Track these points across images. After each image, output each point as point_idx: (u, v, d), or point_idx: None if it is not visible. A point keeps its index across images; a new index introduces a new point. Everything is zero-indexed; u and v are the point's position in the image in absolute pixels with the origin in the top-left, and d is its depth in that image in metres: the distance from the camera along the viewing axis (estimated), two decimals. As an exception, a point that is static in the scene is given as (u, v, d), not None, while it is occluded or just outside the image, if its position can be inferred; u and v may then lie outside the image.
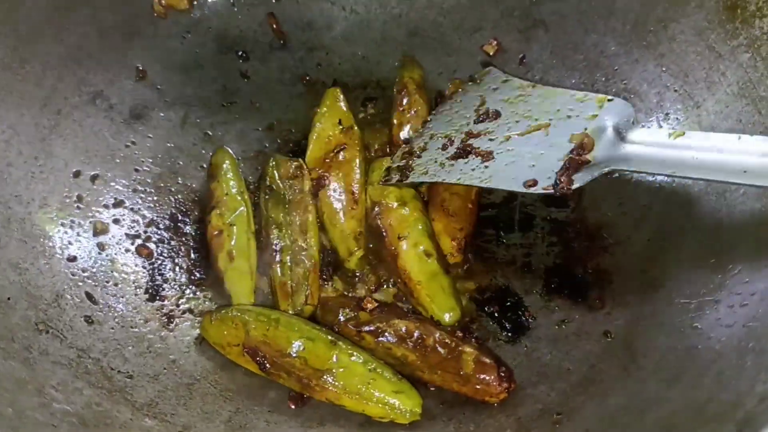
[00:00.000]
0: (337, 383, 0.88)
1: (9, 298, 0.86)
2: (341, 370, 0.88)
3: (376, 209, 0.99)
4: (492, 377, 0.87)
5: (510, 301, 1.02)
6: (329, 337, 0.90)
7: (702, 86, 0.94)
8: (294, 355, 0.88)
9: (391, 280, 1.01)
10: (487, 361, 0.89)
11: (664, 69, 0.98)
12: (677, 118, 0.97)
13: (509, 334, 0.97)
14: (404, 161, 1.00)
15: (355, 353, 0.90)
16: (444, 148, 0.96)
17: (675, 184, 0.95)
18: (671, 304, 0.88)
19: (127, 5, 1.05)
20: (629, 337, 0.89)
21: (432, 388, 0.94)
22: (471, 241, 1.02)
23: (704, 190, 0.92)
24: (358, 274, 1.02)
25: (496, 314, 0.99)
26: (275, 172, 1.03)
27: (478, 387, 0.88)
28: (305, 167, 1.04)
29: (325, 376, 0.87)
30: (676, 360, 0.82)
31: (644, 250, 0.95)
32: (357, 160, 1.04)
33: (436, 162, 0.97)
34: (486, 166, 0.88)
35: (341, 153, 1.04)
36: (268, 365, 0.88)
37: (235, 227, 0.99)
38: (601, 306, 0.95)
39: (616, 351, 0.89)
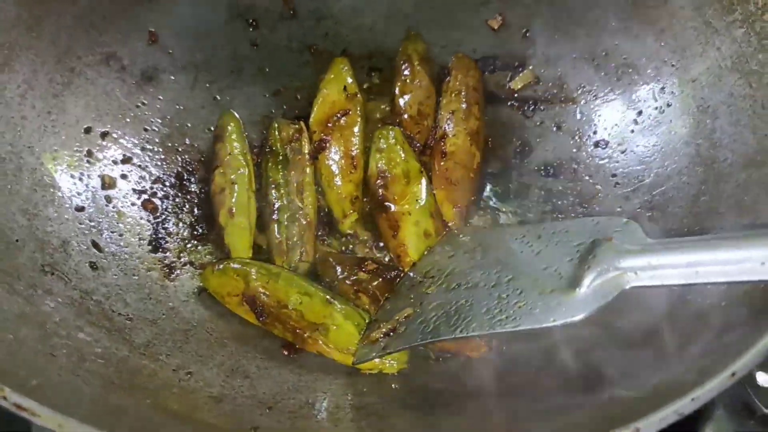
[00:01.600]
0: (328, 339, 0.92)
1: (17, 240, 0.89)
2: (334, 327, 0.93)
3: (380, 179, 1.01)
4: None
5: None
6: (326, 296, 0.93)
7: (698, 60, 0.96)
8: (291, 307, 0.91)
9: (380, 245, 1.02)
10: None
11: (662, 44, 1.00)
12: (672, 92, 0.98)
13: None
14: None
15: (348, 315, 0.94)
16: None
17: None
18: None
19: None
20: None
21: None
22: (471, 208, 1.03)
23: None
24: (350, 233, 1.03)
25: None
26: (277, 134, 1.06)
27: (462, 343, 0.90)
28: (305, 130, 1.07)
29: (318, 330, 0.90)
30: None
31: (634, 219, 0.96)
32: (358, 126, 1.07)
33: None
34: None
35: (344, 118, 1.07)
36: (265, 314, 0.91)
37: (236, 185, 1.02)
38: None
39: None
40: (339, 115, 1.06)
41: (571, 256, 0.81)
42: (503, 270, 0.87)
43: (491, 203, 1.08)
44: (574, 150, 1.07)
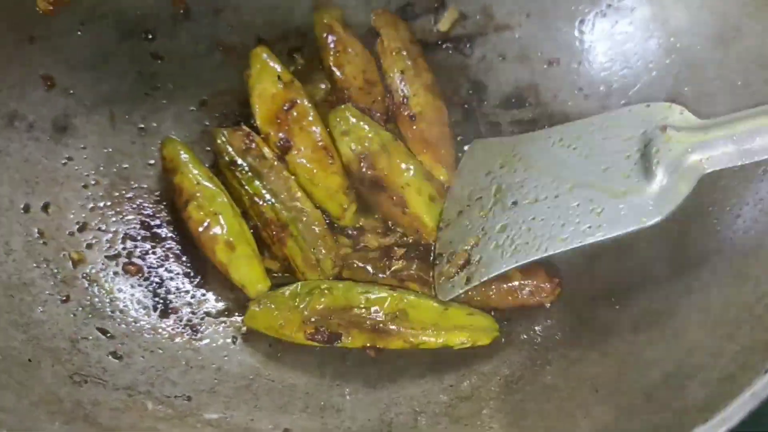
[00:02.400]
0: (413, 322, 0.87)
1: (30, 360, 0.76)
2: (412, 308, 0.88)
3: (362, 162, 0.95)
4: (541, 277, 0.89)
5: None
6: (387, 287, 0.89)
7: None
8: (361, 306, 0.87)
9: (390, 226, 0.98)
10: (532, 264, 0.90)
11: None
12: None
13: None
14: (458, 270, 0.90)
15: (418, 294, 0.89)
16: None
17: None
18: None
19: (6, 11, 0.92)
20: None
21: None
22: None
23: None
24: (356, 227, 0.98)
25: None
26: (228, 146, 0.96)
27: (532, 292, 0.89)
28: (253, 133, 0.98)
29: (398, 318, 0.86)
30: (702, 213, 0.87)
31: None
32: (312, 113, 0.99)
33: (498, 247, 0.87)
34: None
35: (293, 110, 0.99)
36: (336, 336, 0.84)
37: (220, 215, 0.92)
38: None
39: None
40: (286, 107, 0.97)
41: (628, 152, 0.79)
42: (558, 179, 0.84)
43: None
44: (528, 75, 1.06)
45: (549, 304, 0.92)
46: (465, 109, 1.09)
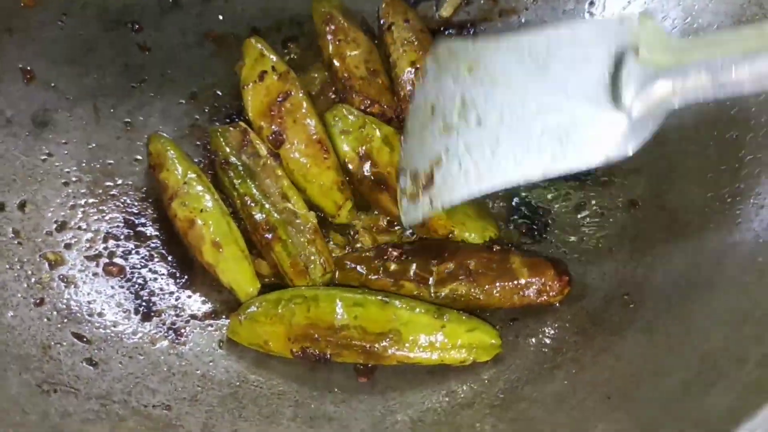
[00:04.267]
0: (405, 342, 0.80)
1: None
2: (404, 326, 0.80)
3: (363, 160, 0.89)
4: (549, 275, 0.82)
5: (517, 203, 0.97)
6: (378, 298, 0.80)
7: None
8: (349, 326, 0.78)
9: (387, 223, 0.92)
10: (539, 261, 0.83)
11: None
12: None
13: (534, 234, 0.92)
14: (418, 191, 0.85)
15: (415, 305, 0.82)
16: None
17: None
18: (686, 152, 0.85)
19: (-16, 3, 0.84)
20: (659, 199, 0.86)
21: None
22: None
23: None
24: (352, 225, 0.91)
25: (508, 222, 0.92)
26: (224, 144, 0.89)
27: (539, 290, 0.82)
28: (249, 130, 0.91)
29: (390, 338, 0.78)
30: (722, 205, 0.79)
31: None
32: (306, 105, 0.93)
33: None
34: None
35: (287, 102, 0.92)
36: (328, 354, 0.78)
37: (208, 214, 0.85)
38: (611, 178, 0.91)
39: (651, 215, 0.86)
40: (280, 100, 0.90)
41: (597, 74, 0.70)
42: (524, 100, 0.75)
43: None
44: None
45: (558, 304, 0.83)
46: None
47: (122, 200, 0.92)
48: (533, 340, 0.84)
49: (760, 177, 0.78)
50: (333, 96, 1.00)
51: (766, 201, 0.77)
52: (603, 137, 0.67)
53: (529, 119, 0.73)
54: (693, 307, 0.75)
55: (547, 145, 0.70)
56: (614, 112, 0.66)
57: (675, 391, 0.67)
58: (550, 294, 0.83)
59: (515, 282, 0.84)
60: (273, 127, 0.92)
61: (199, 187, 0.90)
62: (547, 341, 0.84)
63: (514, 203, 0.96)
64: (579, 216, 0.93)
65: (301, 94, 0.95)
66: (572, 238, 0.91)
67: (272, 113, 0.93)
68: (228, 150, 0.91)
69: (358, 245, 0.93)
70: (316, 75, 1.02)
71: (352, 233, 0.93)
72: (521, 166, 0.72)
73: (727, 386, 0.62)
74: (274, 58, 0.96)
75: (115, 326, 0.84)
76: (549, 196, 0.95)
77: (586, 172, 0.93)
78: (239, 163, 0.91)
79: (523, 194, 0.96)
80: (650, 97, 0.64)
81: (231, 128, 0.94)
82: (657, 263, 0.82)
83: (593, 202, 0.92)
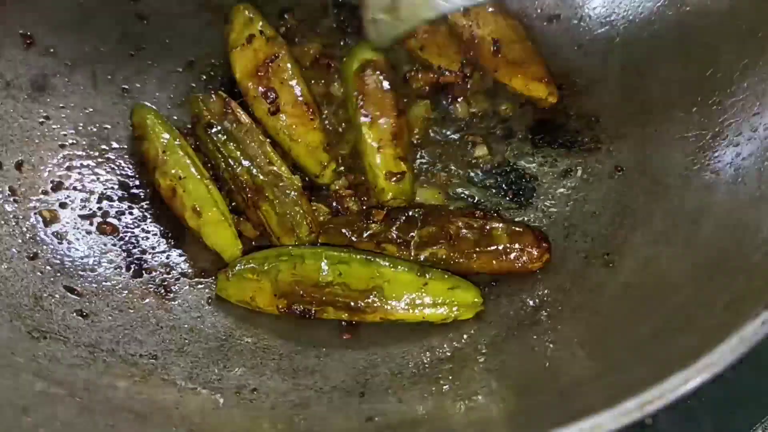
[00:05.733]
0: (388, 299, 0.81)
1: None
2: (386, 284, 0.82)
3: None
4: (529, 242, 0.83)
5: (504, 170, 0.98)
6: (363, 256, 0.82)
7: None
8: (333, 283, 0.79)
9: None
10: (519, 229, 0.85)
11: None
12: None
13: (519, 200, 0.93)
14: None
15: (398, 263, 0.84)
16: None
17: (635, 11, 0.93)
18: (671, 119, 0.85)
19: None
20: (642, 164, 0.87)
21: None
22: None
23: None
24: (335, 189, 0.93)
25: (495, 187, 0.93)
26: (205, 110, 0.91)
27: (518, 257, 0.84)
28: (230, 98, 0.94)
29: (373, 295, 0.79)
30: (701, 168, 0.80)
31: (621, 79, 0.93)
32: (291, 68, 0.95)
33: None
34: None
35: (274, 62, 0.94)
36: (313, 310, 0.79)
37: (187, 180, 0.87)
38: (598, 146, 0.91)
39: (634, 180, 0.87)
40: (268, 62, 0.92)
41: None
42: None
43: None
44: (525, 31, 1.00)
45: (537, 271, 0.84)
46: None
47: (117, 163, 0.94)
48: (515, 298, 0.85)
49: (739, 143, 0.78)
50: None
51: (743, 163, 0.77)
52: None
53: None
54: (669, 264, 0.76)
55: None
56: None
57: (645, 337, 0.68)
58: (529, 261, 0.84)
59: (495, 247, 0.85)
60: (260, 88, 0.94)
61: (178, 156, 0.92)
62: (528, 300, 0.85)
63: (500, 170, 0.95)
64: (564, 181, 0.93)
65: (288, 57, 0.96)
66: (557, 204, 0.92)
67: (260, 74, 0.95)
68: (208, 116, 0.93)
69: (342, 208, 0.94)
70: (309, 47, 1.03)
71: (335, 199, 0.93)
72: None
73: (693, 330, 0.63)
74: (261, 23, 0.98)
75: (106, 281, 0.86)
76: (536, 162, 0.95)
77: (573, 139, 0.94)
78: (221, 128, 0.92)
79: (510, 161, 0.96)
80: None
81: (212, 96, 0.94)
82: (638, 225, 0.83)
83: (579, 168, 0.93)
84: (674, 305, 0.69)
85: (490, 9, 0.96)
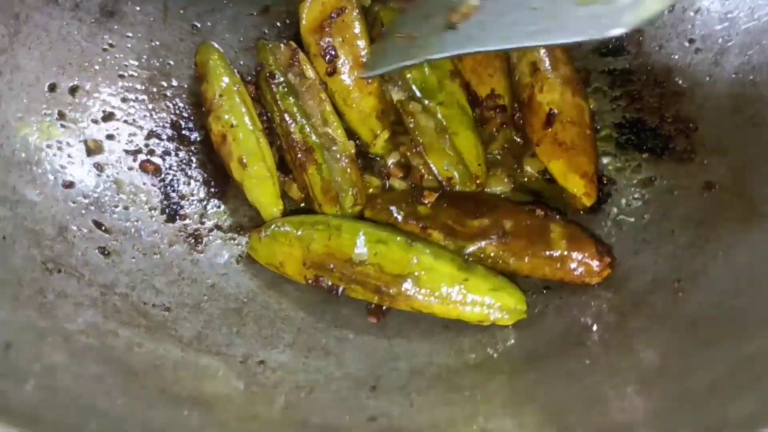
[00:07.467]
0: (422, 288, 0.73)
1: (4, 237, 0.68)
2: (423, 273, 0.74)
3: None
4: (589, 254, 0.73)
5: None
6: (404, 239, 0.73)
7: None
8: (366, 262, 0.72)
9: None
10: (581, 236, 0.74)
11: None
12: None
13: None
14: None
15: (441, 253, 0.76)
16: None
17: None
18: None
19: None
20: (740, 185, 0.75)
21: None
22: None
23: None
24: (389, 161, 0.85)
25: None
26: (272, 59, 0.85)
27: (575, 268, 0.74)
28: (300, 51, 0.88)
29: (406, 282, 0.72)
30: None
31: (732, 87, 0.80)
32: (359, 24, 0.88)
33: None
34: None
35: (339, 17, 0.86)
36: (341, 287, 0.72)
37: (238, 129, 0.81)
38: (691, 156, 0.79)
39: (727, 202, 0.75)
40: (333, 16, 0.84)
41: None
42: None
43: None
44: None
45: (595, 286, 0.74)
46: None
47: (174, 102, 0.90)
48: (564, 312, 0.76)
49: None
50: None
51: None
52: (597, 15, 0.61)
53: None
54: (748, 306, 0.64)
55: (542, 21, 0.66)
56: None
57: (702, 388, 0.58)
58: (587, 274, 0.74)
59: (550, 253, 0.75)
60: (321, 43, 0.87)
61: (235, 102, 0.86)
62: (578, 316, 0.75)
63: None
64: (645, 191, 0.82)
65: (355, 13, 0.88)
66: (632, 214, 0.81)
67: (324, 29, 0.87)
68: (273, 65, 0.86)
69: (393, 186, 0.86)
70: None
71: (386, 172, 0.86)
72: (500, 36, 0.68)
73: (759, 392, 0.53)
74: None
75: (137, 221, 0.82)
76: (617, 166, 0.85)
77: (664, 145, 0.83)
78: (284, 80, 0.86)
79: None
80: None
81: (282, 45, 0.88)
82: (720, 253, 0.72)
83: (664, 178, 0.82)
84: (744, 357, 0.59)
85: (559, 80, 0.84)
